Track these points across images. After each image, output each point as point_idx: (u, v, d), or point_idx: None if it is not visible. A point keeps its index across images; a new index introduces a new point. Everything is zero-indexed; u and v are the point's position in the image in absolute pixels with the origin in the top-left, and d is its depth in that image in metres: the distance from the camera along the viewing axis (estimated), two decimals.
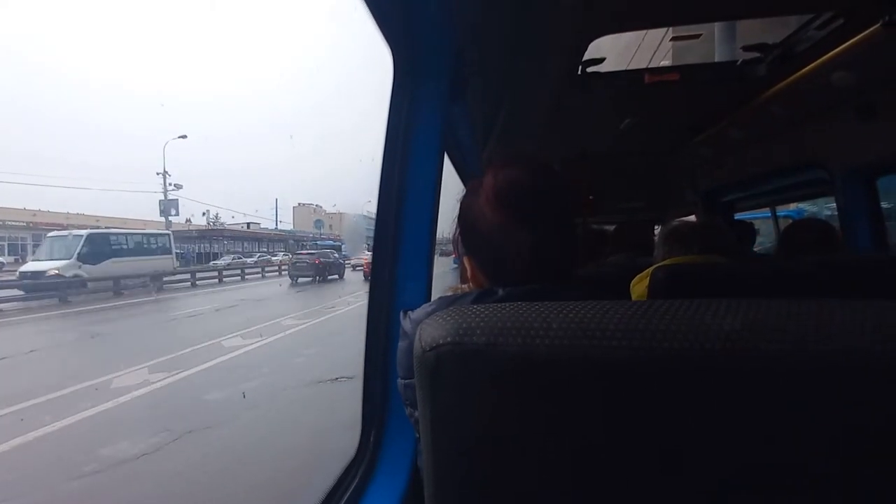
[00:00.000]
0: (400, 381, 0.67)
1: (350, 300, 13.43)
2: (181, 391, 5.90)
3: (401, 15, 0.86)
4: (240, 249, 37.02)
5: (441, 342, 0.38)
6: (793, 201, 3.97)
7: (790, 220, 2.98)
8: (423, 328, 0.40)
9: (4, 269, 23.93)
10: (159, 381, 6.21)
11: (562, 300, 0.40)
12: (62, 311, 12.16)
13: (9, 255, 29.29)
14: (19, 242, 31.81)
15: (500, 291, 0.61)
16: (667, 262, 1.37)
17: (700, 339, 0.34)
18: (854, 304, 0.36)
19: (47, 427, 4.67)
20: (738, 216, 3.21)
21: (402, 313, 0.68)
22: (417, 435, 0.65)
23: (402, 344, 0.67)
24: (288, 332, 9.43)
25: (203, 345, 8.11)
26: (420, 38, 0.93)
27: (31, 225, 32.12)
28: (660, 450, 0.37)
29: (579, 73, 1.67)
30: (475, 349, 0.37)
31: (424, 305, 0.68)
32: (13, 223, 31.17)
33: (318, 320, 10.74)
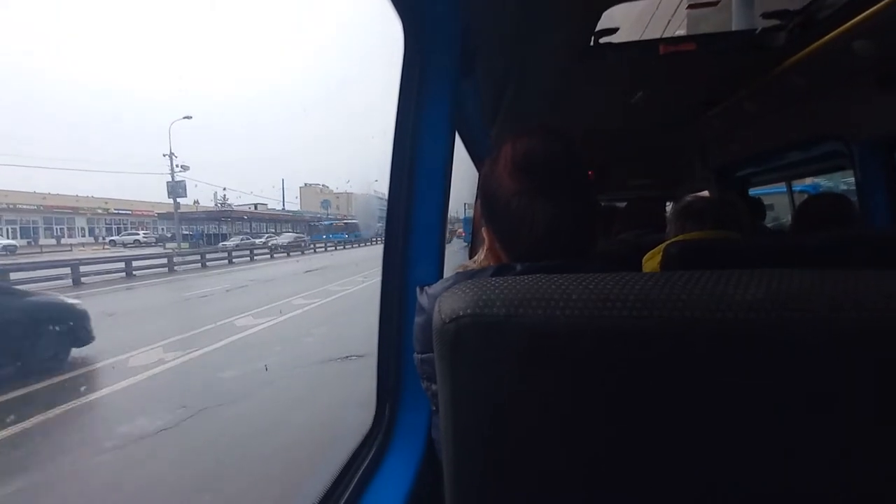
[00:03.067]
0: (416, 356, 0.67)
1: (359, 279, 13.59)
2: (196, 369, 6.04)
3: None
4: (248, 230, 37.33)
5: (461, 314, 0.38)
6: (808, 175, 3.89)
7: (805, 195, 2.93)
8: (443, 300, 0.40)
9: (18, 252, 24.41)
10: (174, 359, 6.35)
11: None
12: (76, 292, 12.38)
13: (21, 238, 29.79)
14: (31, 226, 32.29)
15: (518, 267, 0.61)
16: (680, 237, 1.36)
17: (722, 309, 0.34)
18: (882, 273, 0.35)
19: (65, 405, 4.82)
20: (752, 191, 3.15)
21: (418, 289, 0.68)
22: (434, 408, 0.66)
23: (418, 319, 0.67)
24: (297, 311, 9.57)
25: (216, 324, 8.26)
26: (431, 9, 0.91)
27: (41, 208, 32.53)
28: (684, 419, 0.37)
29: (591, 44, 1.62)
30: (495, 320, 0.37)
31: (442, 280, 0.68)
32: (24, 206, 31.57)
33: (327, 300, 10.88)
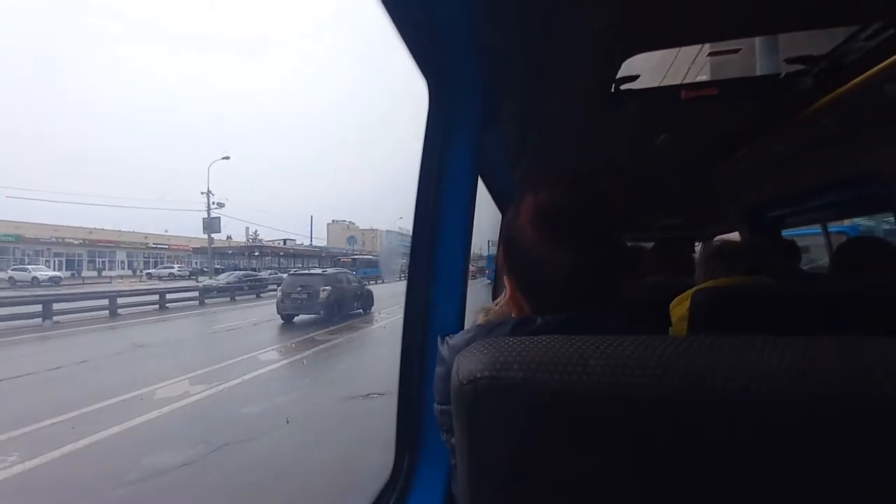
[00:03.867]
0: (437, 407, 0.67)
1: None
2: (219, 404, 6.09)
3: (435, 48, 0.88)
4: (276, 265, 38.30)
5: (479, 375, 0.38)
6: (845, 217, 3.75)
7: (844, 237, 2.81)
8: (461, 360, 0.40)
9: (62, 283, 25.70)
10: (199, 392, 6.43)
11: (601, 330, 0.40)
12: (110, 324, 12.84)
13: (66, 269, 31.44)
14: (76, 258, 34.14)
15: (539, 320, 0.60)
16: (708, 283, 1.32)
17: (744, 378, 0.33)
18: None
19: (96, 435, 4.91)
20: (785, 232, 3.05)
21: (439, 338, 0.68)
22: (453, 461, 0.65)
23: (439, 370, 0.67)
24: (321, 346, 9.64)
25: (241, 358, 8.38)
26: (453, 69, 0.95)
27: (87, 242, 34.46)
28: (701, 488, 0.36)
29: (612, 90, 1.65)
30: (512, 384, 0.37)
31: (463, 332, 0.68)
32: (72, 240, 33.52)
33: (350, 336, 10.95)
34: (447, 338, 0.68)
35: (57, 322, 12.22)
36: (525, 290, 0.67)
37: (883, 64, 1.44)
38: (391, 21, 0.77)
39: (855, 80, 1.56)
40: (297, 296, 13.52)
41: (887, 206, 2.21)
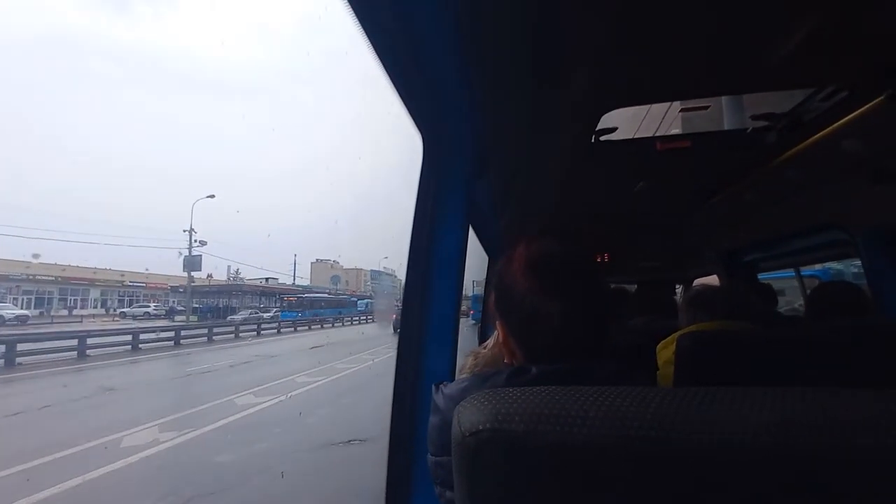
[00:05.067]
0: (431, 458, 0.66)
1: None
2: (190, 452, 5.75)
3: (430, 106, 0.94)
4: (257, 304, 37.36)
5: (481, 427, 0.38)
6: (816, 262, 3.91)
7: (816, 280, 2.91)
8: (462, 411, 0.41)
9: (29, 322, 24.55)
10: (169, 440, 6.07)
11: (594, 379, 0.41)
12: (78, 365, 12.20)
13: (35, 308, 30.11)
14: (46, 296, 32.79)
15: (534, 369, 0.62)
16: (692, 328, 1.35)
17: (738, 431, 0.35)
18: (890, 394, 0.36)
19: (54, 488, 4.55)
20: (762, 276, 3.15)
21: (434, 387, 0.69)
22: None
23: (433, 419, 0.67)
24: (300, 390, 9.28)
25: (215, 402, 7.99)
26: (447, 124, 1.01)
27: (59, 279, 33.26)
28: None
29: (593, 141, 1.74)
30: (514, 436, 0.37)
31: (457, 381, 0.68)
32: (43, 277, 32.32)
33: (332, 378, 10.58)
34: (441, 386, 0.68)
35: (20, 364, 11.57)
36: (518, 336, 0.68)
37: (838, 123, 1.56)
38: (388, 78, 0.82)
39: (815, 137, 1.67)
40: None
41: (851, 251, 2.32)
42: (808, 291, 2.37)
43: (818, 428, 0.34)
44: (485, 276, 2.87)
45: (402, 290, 1.11)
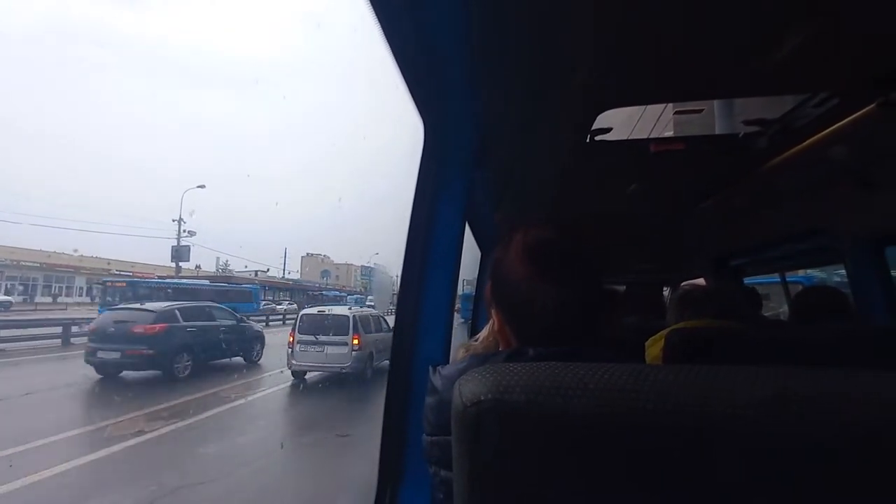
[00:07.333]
0: (426, 438, 0.66)
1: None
2: (176, 441, 5.70)
3: (434, 93, 0.95)
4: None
5: (482, 398, 0.39)
6: (802, 268, 3.99)
7: (799, 286, 2.97)
8: (463, 384, 0.41)
9: (13, 308, 24.06)
10: (155, 430, 6.03)
11: (592, 361, 0.43)
12: (62, 353, 11.98)
13: (18, 295, 29.50)
14: (30, 283, 32.15)
15: (531, 351, 0.63)
16: (680, 325, 1.38)
17: (732, 405, 0.36)
18: (881, 376, 0.38)
19: (35, 475, 4.49)
20: (747, 280, 3.21)
21: (431, 368, 0.69)
22: (441, 495, 0.64)
23: (430, 399, 0.67)
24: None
25: (205, 393, 7.95)
26: (449, 111, 1.02)
27: (44, 266, 32.65)
28: None
29: (588, 140, 1.76)
30: (516, 406, 0.38)
31: (455, 363, 0.69)
32: (27, 264, 31.70)
33: None
34: (439, 368, 0.68)
35: (2, 350, 11.34)
36: (512, 323, 0.69)
37: (829, 129, 1.59)
38: (393, 59, 0.82)
39: (805, 143, 1.70)
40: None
41: (837, 258, 2.37)
42: (793, 296, 2.42)
43: (812, 401, 0.36)
44: (476, 274, 2.89)
45: (396, 286, 1.12)
